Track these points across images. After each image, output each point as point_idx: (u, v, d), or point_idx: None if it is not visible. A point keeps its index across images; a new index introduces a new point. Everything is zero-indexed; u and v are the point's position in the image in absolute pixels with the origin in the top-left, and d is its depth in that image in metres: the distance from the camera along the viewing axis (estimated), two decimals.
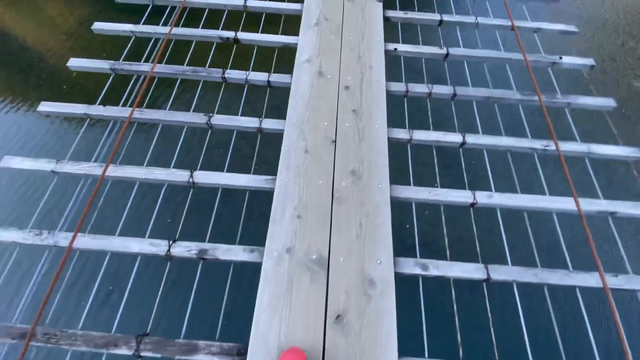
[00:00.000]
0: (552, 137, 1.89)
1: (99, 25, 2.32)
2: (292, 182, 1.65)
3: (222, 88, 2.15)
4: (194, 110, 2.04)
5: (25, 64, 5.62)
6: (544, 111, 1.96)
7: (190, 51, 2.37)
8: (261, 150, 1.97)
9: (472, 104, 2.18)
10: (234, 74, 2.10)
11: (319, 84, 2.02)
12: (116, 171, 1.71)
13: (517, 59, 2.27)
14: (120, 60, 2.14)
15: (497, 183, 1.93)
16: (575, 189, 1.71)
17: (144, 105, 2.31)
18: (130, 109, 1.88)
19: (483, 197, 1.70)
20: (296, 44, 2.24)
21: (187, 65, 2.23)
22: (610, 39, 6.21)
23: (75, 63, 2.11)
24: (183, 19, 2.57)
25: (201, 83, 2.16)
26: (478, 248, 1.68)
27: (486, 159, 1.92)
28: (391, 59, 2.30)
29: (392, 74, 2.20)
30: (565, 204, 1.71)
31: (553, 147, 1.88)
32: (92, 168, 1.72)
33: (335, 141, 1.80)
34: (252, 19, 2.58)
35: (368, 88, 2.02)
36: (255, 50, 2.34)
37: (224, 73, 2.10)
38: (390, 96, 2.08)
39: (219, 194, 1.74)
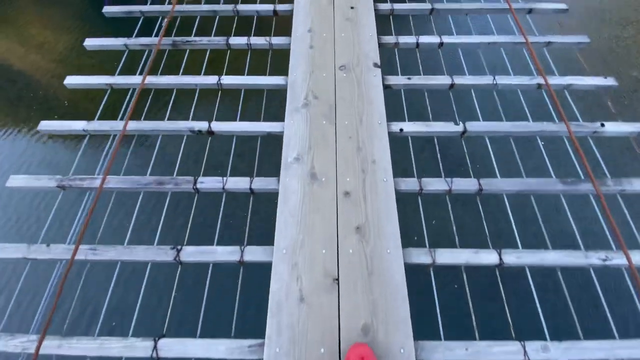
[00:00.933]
0: (620, 247, 1.48)
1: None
2: (284, 352, 1.26)
3: (196, 198, 1.77)
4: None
5: (15, 96, 5.32)
6: (605, 210, 1.55)
7: (158, 143, 2.00)
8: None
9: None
10: (208, 183, 1.72)
11: (313, 191, 1.63)
12: (60, 347, 1.33)
13: (552, 130, 1.87)
14: (70, 174, 1.77)
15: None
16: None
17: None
18: (73, 247, 1.50)
19: (536, 353, 1.29)
20: (281, 132, 1.86)
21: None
22: (608, 27, 5.76)
23: (15, 182, 1.74)
24: (148, 101, 2.22)
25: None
26: None
27: (528, 275, 1.52)
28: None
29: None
30: None
31: (616, 261, 1.48)
32: (27, 343, 1.34)
33: (337, 279, 1.41)
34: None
35: (373, 192, 1.63)
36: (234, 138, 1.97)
37: (195, 183, 1.72)
38: (400, 191, 1.69)
39: None
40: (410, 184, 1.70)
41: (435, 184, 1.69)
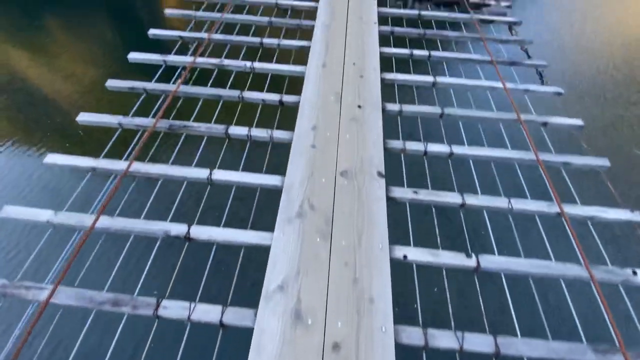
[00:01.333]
0: None
1: None
2: None
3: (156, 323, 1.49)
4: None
5: (33, 119, 5.25)
6: None
7: (128, 244, 1.78)
8: None
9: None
10: (172, 309, 1.45)
11: (295, 338, 1.35)
12: None
13: (575, 275, 1.63)
14: (16, 280, 1.52)
15: None
16: None
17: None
18: None
19: None
20: (269, 245, 1.63)
21: None
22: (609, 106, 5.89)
23: None
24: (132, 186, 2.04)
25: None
26: None
27: None
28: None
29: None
30: None
31: None
32: None
33: None
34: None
35: (368, 346, 1.34)
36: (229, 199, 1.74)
37: (158, 305, 1.45)
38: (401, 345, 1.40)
39: None
40: (413, 335, 1.41)
41: (444, 339, 1.41)
